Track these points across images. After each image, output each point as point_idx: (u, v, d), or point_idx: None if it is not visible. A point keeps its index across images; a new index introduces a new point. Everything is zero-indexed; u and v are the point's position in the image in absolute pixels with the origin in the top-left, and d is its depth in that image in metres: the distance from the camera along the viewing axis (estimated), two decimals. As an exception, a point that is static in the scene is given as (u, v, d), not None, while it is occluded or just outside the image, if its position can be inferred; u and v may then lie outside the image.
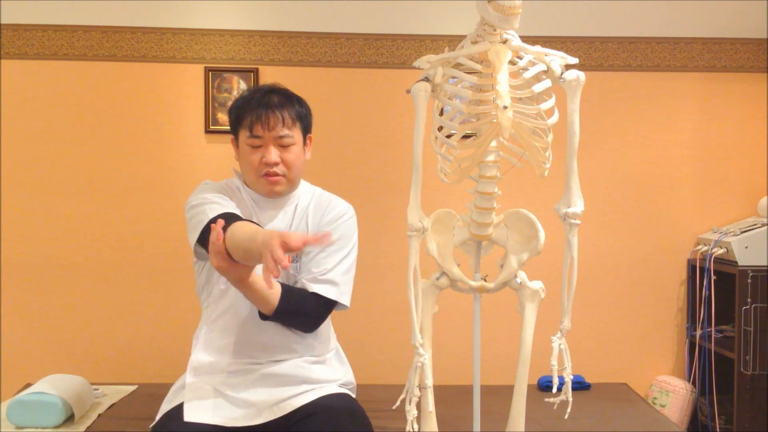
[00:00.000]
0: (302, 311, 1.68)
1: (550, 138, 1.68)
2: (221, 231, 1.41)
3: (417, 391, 1.68)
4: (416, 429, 1.68)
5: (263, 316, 1.64)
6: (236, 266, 1.44)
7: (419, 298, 1.71)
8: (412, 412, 1.67)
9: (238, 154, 1.77)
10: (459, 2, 2.82)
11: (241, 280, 1.51)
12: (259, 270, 1.57)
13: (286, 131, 1.70)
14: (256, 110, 1.69)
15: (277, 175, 1.71)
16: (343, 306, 1.75)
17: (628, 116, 2.89)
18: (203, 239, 1.58)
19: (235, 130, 1.76)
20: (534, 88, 1.64)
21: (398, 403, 1.73)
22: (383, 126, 2.86)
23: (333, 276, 1.71)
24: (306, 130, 1.78)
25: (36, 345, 2.82)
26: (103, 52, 2.80)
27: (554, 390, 1.70)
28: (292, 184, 1.76)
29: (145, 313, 2.84)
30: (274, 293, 1.60)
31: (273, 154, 1.69)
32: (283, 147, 1.71)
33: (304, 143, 1.78)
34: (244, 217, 1.60)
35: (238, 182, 1.79)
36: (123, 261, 2.83)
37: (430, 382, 1.66)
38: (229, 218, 1.50)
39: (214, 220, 1.48)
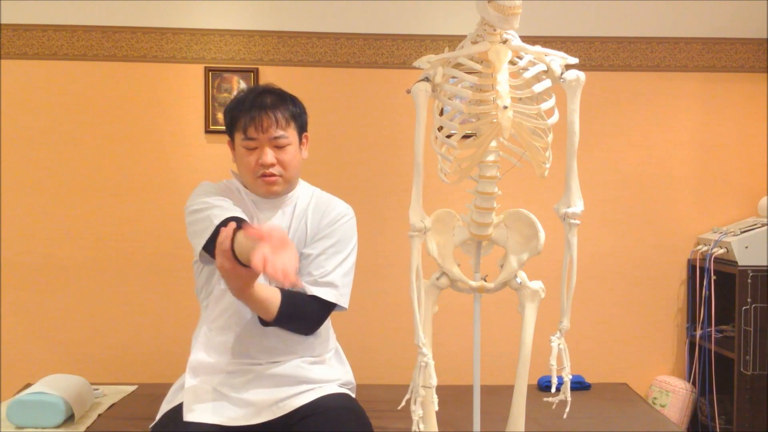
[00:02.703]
0: (302, 315, 1.68)
1: (550, 138, 1.68)
2: (231, 232, 1.41)
3: (422, 391, 1.68)
4: (422, 428, 1.68)
5: (264, 322, 1.64)
6: (239, 269, 1.44)
7: (422, 298, 1.70)
8: (417, 411, 1.67)
9: (235, 157, 1.77)
10: (459, 2, 2.81)
11: (242, 290, 1.50)
12: (261, 280, 1.57)
13: (280, 132, 1.70)
14: (250, 112, 1.69)
15: (273, 175, 1.71)
16: (342, 308, 1.75)
17: (628, 116, 2.89)
18: (209, 243, 1.58)
19: (230, 133, 1.76)
20: (534, 88, 1.64)
21: (404, 403, 1.73)
22: (383, 126, 2.86)
23: (333, 278, 1.71)
24: (301, 129, 1.78)
25: (36, 345, 2.82)
26: (103, 52, 2.80)
27: (553, 390, 1.70)
28: (289, 184, 1.76)
29: (145, 313, 2.84)
30: (275, 302, 1.59)
31: (269, 155, 1.69)
32: (279, 147, 1.71)
33: (300, 142, 1.78)
34: (248, 220, 1.60)
35: (238, 183, 1.79)
36: (123, 261, 2.83)
37: (434, 381, 1.66)
38: (237, 221, 1.50)
39: (224, 224, 1.49)
